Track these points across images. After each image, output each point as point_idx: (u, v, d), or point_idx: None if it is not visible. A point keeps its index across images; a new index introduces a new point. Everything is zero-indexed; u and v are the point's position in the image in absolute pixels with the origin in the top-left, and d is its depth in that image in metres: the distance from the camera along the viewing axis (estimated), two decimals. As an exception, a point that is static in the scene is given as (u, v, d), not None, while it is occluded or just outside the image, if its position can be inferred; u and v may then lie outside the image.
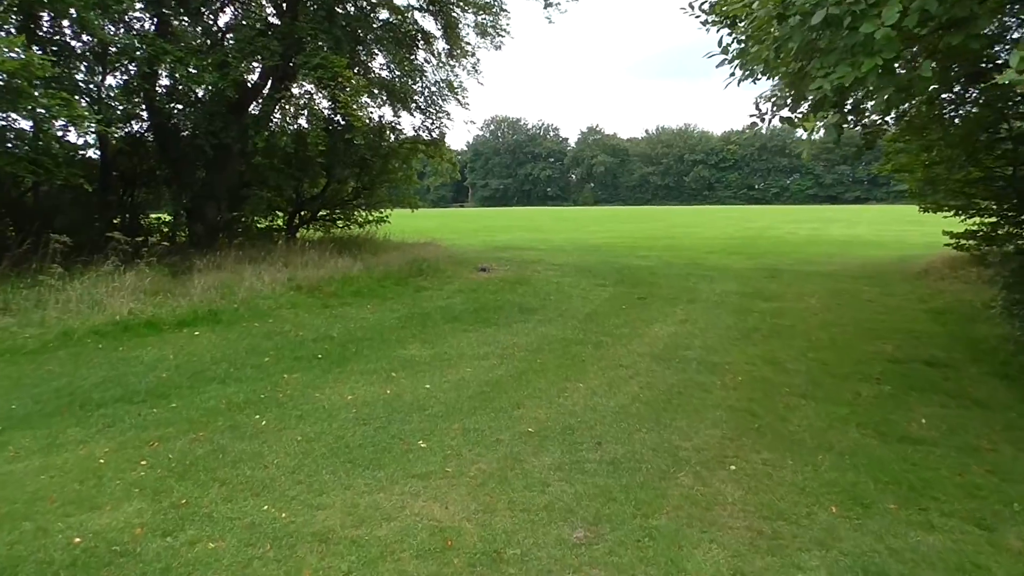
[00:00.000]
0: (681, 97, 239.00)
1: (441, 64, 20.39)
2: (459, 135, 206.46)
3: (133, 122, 16.72)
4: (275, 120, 20.14)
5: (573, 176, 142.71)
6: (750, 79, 9.99)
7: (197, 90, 15.74)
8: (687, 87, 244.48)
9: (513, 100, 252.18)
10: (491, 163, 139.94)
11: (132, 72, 14.88)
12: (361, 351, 8.35)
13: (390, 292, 12.39)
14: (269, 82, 17.68)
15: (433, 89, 19.56)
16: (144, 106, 15.82)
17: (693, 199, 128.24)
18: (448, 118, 19.62)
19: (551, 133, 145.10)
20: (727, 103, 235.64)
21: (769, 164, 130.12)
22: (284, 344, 8.53)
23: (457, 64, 20.19)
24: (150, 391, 6.61)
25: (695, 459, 5.18)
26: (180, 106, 16.74)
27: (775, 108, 7.12)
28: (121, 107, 14.60)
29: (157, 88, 15.73)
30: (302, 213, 22.15)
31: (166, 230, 18.91)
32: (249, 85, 17.01)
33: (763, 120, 7.00)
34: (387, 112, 20.33)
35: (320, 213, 22.82)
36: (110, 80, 15.85)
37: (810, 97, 6.29)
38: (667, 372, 7.71)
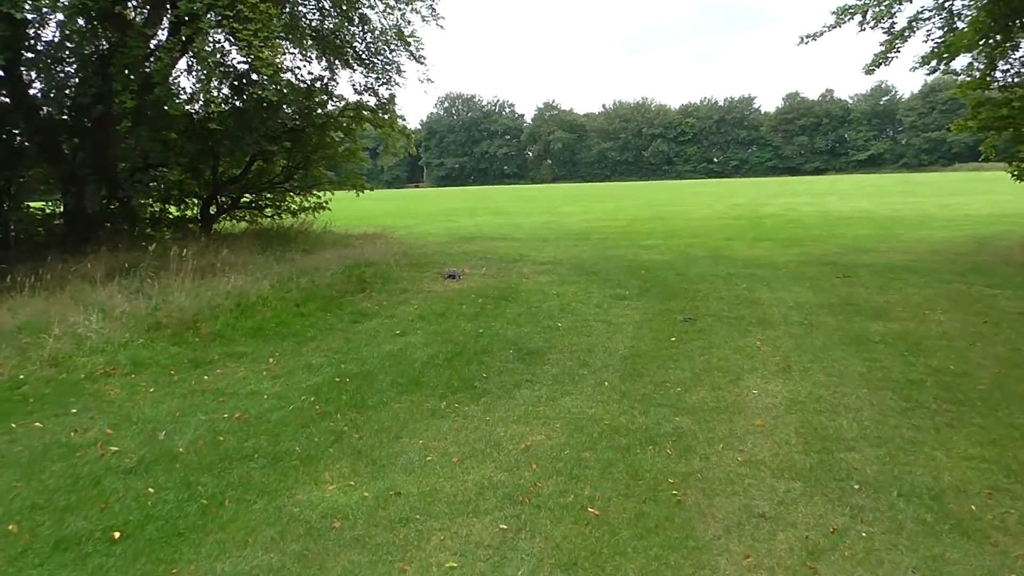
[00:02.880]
0: (638, 71, 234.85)
1: (389, 9, 15.78)
2: (413, 111, 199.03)
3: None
4: (185, 83, 15.55)
5: (530, 153, 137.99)
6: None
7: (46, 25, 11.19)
8: (643, 61, 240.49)
9: (467, 76, 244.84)
10: (446, 141, 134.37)
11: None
12: (219, 502, 4.01)
13: (312, 326, 7.99)
14: (164, 30, 13.08)
15: (378, 35, 15.01)
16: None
17: (653, 174, 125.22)
18: (398, 73, 15.13)
19: (507, 110, 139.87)
20: (683, 76, 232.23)
21: (728, 136, 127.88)
22: (59, 491, 4.11)
23: (408, 7, 15.54)
24: None
25: None
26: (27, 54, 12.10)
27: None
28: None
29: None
30: (220, 199, 17.65)
31: (41, 222, 14.30)
32: (131, 23, 12.41)
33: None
34: (319, 70, 15.82)
35: (244, 199, 18.33)
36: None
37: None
38: (874, 533, 3.60)
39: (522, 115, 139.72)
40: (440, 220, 28.15)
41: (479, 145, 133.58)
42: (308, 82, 15.27)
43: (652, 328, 8.21)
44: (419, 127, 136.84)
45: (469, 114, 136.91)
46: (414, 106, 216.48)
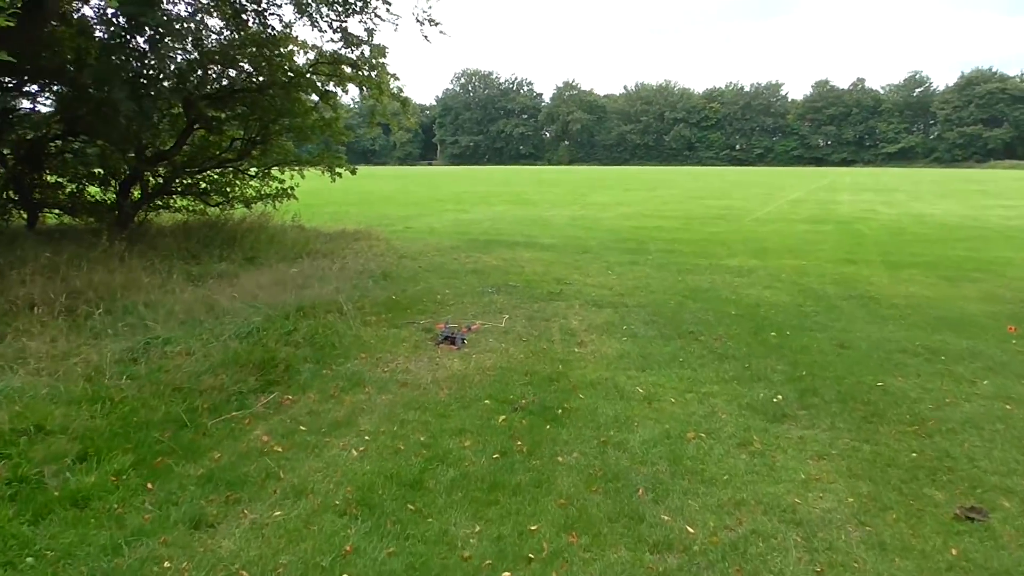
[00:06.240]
0: (661, 53, 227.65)
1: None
2: (427, 87, 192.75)
3: None
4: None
5: (547, 133, 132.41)
6: None
7: None
8: (668, 43, 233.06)
9: (484, 52, 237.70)
10: (461, 118, 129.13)
11: None
12: None
13: (66, 571, 3.24)
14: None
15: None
16: None
17: (673, 159, 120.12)
18: (387, 7, 10.30)
19: (525, 88, 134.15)
20: (709, 60, 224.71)
21: (753, 124, 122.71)
22: None
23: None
24: None
25: None
26: None
27: None
28: None
29: None
30: (144, 180, 12.98)
31: None
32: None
33: None
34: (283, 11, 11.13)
35: (182, 181, 13.64)
36: None
37: None
38: None
39: (540, 94, 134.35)
40: (448, 209, 23.23)
41: (495, 123, 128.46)
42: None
43: (911, 551, 3.41)
44: (434, 103, 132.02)
45: (486, 91, 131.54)
46: (429, 82, 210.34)
